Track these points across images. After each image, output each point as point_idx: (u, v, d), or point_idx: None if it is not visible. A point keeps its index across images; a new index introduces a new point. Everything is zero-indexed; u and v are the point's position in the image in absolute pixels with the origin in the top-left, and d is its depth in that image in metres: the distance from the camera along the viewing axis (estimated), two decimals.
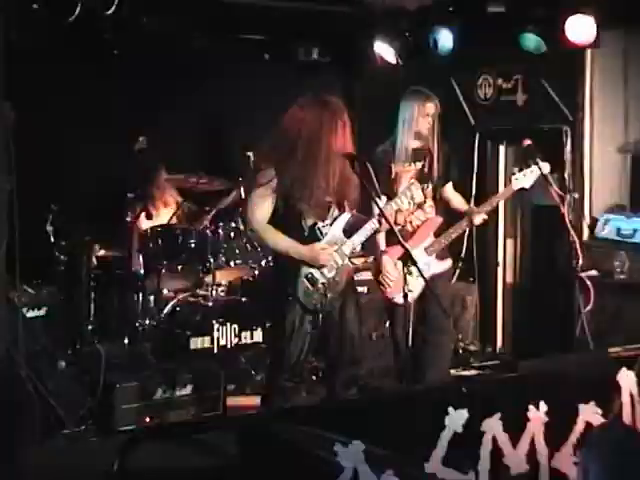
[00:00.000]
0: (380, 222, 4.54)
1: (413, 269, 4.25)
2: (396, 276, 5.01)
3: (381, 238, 5.24)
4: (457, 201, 5.53)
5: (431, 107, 5.30)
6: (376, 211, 4.55)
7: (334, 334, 4.55)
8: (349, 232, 4.54)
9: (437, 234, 5.39)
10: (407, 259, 4.30)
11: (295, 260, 4.36)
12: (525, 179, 5.27)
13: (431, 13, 6.60)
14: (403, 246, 4.35)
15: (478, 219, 5.34)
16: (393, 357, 5.57)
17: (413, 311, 5.39)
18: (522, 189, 5.33)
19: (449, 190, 5.51)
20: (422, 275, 4.31)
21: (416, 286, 4.96)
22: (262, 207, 4.36)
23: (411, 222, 5.42)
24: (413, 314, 5.40)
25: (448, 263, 5.46)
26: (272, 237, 4.37)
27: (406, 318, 4.43)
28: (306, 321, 4.39)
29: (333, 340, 4.56)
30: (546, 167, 5.24)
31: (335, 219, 4.48)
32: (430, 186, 5.41)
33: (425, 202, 5.42)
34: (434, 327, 5.46)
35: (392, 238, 5.12)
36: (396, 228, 4.56)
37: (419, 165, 5.37)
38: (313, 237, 4.42)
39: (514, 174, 5.38)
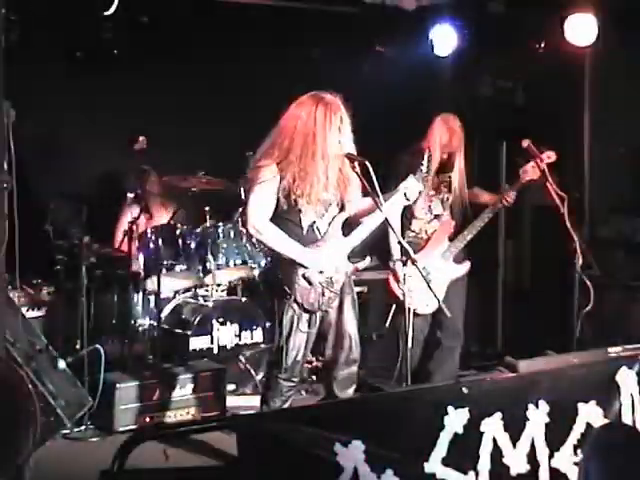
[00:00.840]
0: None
1: (432, 277, 4.27)
2: (416, 286, 4.90)
3: (395, 247, 5.24)
4: (486, 196, 5.58)
5: (456, 122, 5.37)
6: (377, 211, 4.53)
7: (332, 334, 4.55)
8: (348, 231, 4.54)
9: (451, 238, 5.41)
10: (409, 262, 4.29)
11: (294, 259, 4.37)
12: (533, 171, 5.30)
13: (431, 13, 6.60)
14: (402, 245, 4.35)
15: (511, 197, 5.37)
16: (400, 360, 5.58)
17: (429, 316, 5.43)
18: (531, 180, 5.38)
19: (477, 190, 5.58)
20: (424, 277, 4.28)
21: (438, 293, 4.91)
22: (264, 205, 4.36)
23: (426, 231, 5.45)
24: (430, 318, 5.44)
25: (466, 266, 5.49)
26: (273, 236, 4.37)
27: (407, 321, 4.42)
28: (303, 320, 4.39)
29: (331, 340, 4.56)
30: (552, 156, 5.27)
31: (334, 217, 4.48)
32: (450, 198, 5.45)
33: (443, 214, 5.46)
34: (450, 331, 5.50)
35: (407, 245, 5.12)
36: (403, 236, 4.56)
37: (443, 177, 5.43)
38: (311, 235, 4.42)
39: (521, 167, 5.42)
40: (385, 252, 5.45)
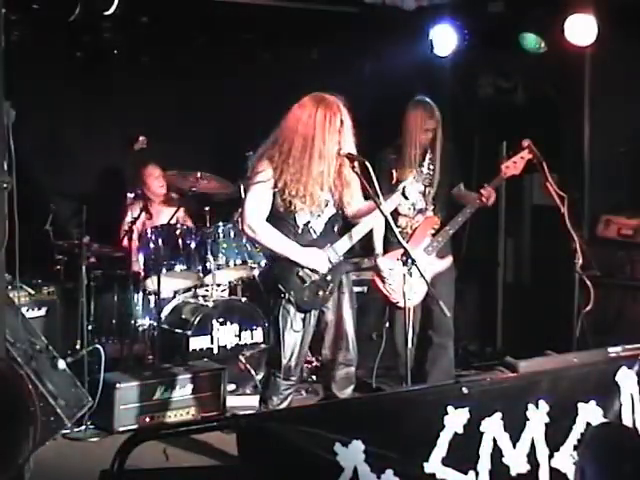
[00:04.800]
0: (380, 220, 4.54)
1: (414, 270, 4.24)
2: (397, 279, 4.99)
3: (378, 241, 5.25)
4: (471, 197, 5.54)
5: (431, 123, 5.36)
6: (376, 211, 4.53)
7: (329, 333, 4.55)
8: (344, 230, 4.55)
9: (434, 233, 5.40)
10: (408, 260, 4.29)
11: (289, 258, 4.38)
12: (514, 167, 5.27)
13: (431, 13, 6.59)
14: (402, 246, 4.35)
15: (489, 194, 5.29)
16: (395, 358, 5.59)
17: (419, 313, 5.41)
18: (513, 176, 5.34)
19: (462, 190, 5.55)
20: (423, 277, 4.30)
21: (419, 288, 4.95)
22: (260, 205, 4.37)
23: (411, 226, 5.44)
24: (420, 316, 5.43)
25: (449, 260, 5.46)
26: (268, 235, 4.38)
27: (407, 320, 4.41)
28: (297, 319, 4.40)
29: (329, 339, 4.56)
30: (526, 141, 5.24)
31: (330, 217, 4.49)
32: (432, 192, 5.43)
33: (427, 208, 5.44)
34: (441, 329, 5.49)
35: (391, 240, 5.13)
36: (397, 230, 4.55)
37: (422, 172, 5.38)
38: (306, 235, 4.42)
39: (502, 163, 5.37)
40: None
